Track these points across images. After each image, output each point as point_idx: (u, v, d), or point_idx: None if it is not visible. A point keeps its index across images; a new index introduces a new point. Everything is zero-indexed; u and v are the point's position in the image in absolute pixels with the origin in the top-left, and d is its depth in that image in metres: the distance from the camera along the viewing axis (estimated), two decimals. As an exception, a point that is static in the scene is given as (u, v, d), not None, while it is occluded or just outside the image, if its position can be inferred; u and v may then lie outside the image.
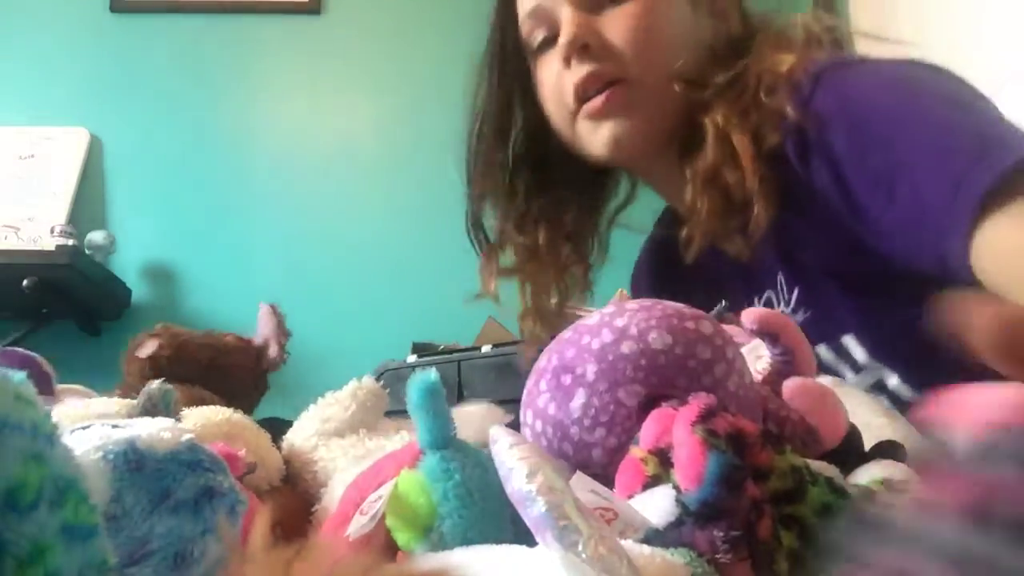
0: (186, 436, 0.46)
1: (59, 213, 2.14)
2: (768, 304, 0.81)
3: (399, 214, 2.30)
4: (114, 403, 0.48)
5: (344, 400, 0.61)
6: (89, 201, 2.23)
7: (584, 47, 0.75)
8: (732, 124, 0.71)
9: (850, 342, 0.74)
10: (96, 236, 2.10)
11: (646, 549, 0.30)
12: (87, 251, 2.05)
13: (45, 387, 0.62)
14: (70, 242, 1.95)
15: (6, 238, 2.08)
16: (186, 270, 2.24)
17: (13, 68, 2.30)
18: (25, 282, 1.84)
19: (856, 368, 0.75)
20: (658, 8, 0.76)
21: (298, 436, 0.60)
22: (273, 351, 0.86)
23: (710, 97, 0.73)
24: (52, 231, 2.00)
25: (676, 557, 0.30)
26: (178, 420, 0.45)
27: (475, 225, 0.91)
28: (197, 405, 0.59)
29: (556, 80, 0.79)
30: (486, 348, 1.22)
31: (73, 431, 0.39)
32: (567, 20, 0.76)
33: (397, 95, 2.39)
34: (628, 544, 0.31)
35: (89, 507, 0.31)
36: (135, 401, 0.43)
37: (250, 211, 2.27)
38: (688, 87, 0.74)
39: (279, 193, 2.29)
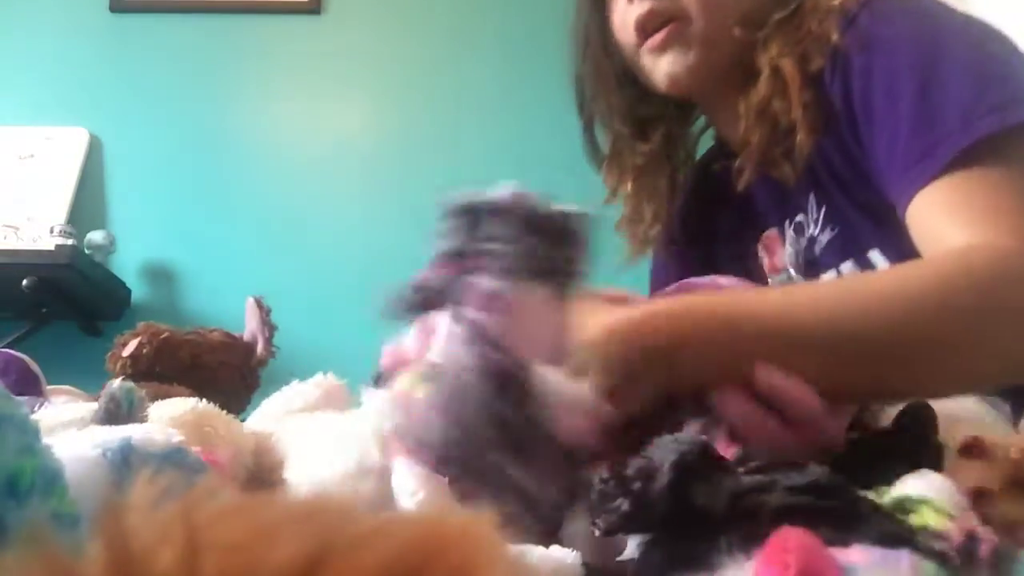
0: (176, 439, 0.46)
1: (59, 213, 2.14)
2: (798, 228, 0.86)
3: (399, 214, 2.29)
4: (83, 408, 0.48)
5: (308, 387, 0.61)
6: (89, 201, 2.23)
7: None
8: (783, 57, 0.76)
9: (877, 257, 0.79)
10: (96, 236, 2.10)
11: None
12: (87, 251, 2.05)
13: (33, 388, 0.62)
14: (70, 242, 1.95)
15: (6, 238, 2.08)
16: (186, 270, 2.24)
17: (13, 68, 2.30)
18: (25, 282, 1.84)
19: None
20: None
21: (258, 422, 0.61)
22: (260, 346, 0.85)
23: (765, 35, 0.78)
24: (52, 231, 2.00)
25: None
26: (143, 419, 0.45)
27: (591, 144, 1.00)
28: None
29: (621, 15, 0.84)
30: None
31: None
32: None
33: (397, 95, 2.39)
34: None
35: (71, 499, 0.32)
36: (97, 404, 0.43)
37: (250, 211, 2.27)
38: (746, 29, 0.78)
39: (279, 193, 2.29)
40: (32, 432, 0.31)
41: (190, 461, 0.46)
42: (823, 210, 0.82)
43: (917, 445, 0.47)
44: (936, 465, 0.48)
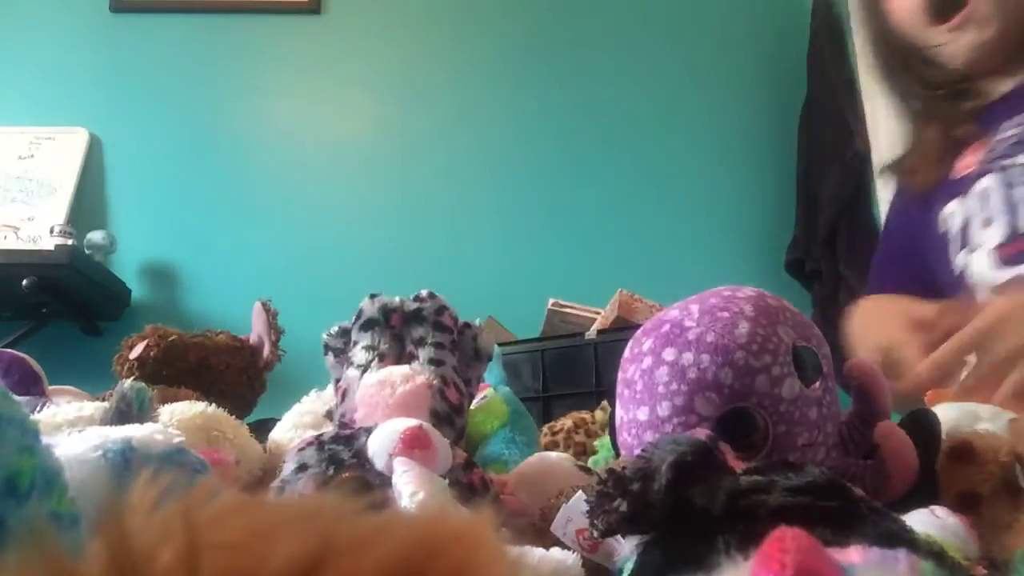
0: (176, 439, 0.46)
1: (59, 213, 2.14)
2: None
3: (399, 213, 2.29)
4: (89, 407, 0.48)
5: (324, 396, 0.61)
6: (89, 201, 2.23)
7: None
8: None
9: None
10: (96, 236, 2.10)
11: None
12: (87, 251, 2.05)
13: (35, 387, 0.62)
14: (70, 242, 1.95)
15: (6, 238, 2.08)
16: (186, 270, 2.24)
17: (13, 68, 2.30)
18: (25, 282, 1.84)
19: None
20: None
21: (279, 432, 0.61)
22: (266, 350, 0.85)
23: None
24: (52, 231, 2.00)
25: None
26: (154, 419, 0.45)
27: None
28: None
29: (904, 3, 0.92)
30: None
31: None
32: None
33: (397, 95, 2.39)
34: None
35: (71, 499, 0.32)
36: (107, 404, 0.43)
37: (250, 211, 2.27)
38: None
39: (279, 193, 2.29)
40: (32, 432, 0.31)
41: (191, 461, 0.46)
42: None
43: (922, 448, 0.47)
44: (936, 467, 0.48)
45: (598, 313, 1.63)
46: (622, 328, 1.45)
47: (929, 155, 1.04)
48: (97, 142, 2.29)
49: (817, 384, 0.45)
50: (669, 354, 0.44)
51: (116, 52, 2.33)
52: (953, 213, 0.99)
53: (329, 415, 0.63)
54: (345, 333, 0.65)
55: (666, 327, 0.46)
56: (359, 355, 0.61)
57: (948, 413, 0.54)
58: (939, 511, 0.40)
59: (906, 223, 1.11)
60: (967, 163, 1.00)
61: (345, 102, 2.40)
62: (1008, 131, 0.96)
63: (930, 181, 1.05)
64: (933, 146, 1.04)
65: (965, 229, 0.96)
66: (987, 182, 0.94)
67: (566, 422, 0.84)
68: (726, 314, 0.45)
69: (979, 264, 0.92)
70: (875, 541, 0.30)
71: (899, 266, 1.13)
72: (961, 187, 0.98)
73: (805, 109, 2.21)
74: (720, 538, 0.32)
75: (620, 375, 0.47)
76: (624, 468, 0.36)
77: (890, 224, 1.19)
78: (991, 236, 0.91)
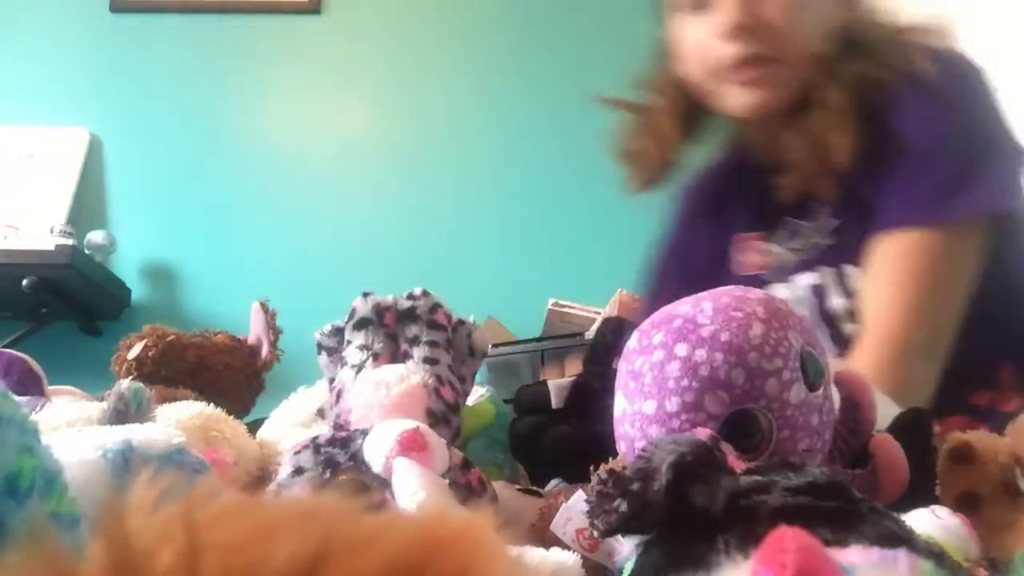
0: (176, 439, 0.46)
1: (59, 213, 2.14)
2: (793, 233, 0.99)
3: (398, 214, 2.30)
4: (88, 407, 0.48)
5: (314, 393, 0.61)
6: (89, 201, 2.23)
7: (749, 30, 0.87)
8: (845, 99, 0.87)
9: (850, 270, 0.92)
10: (96, 236, 2.10)
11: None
12: (87, 251, 2.05)
13: (35, 388, 0.62)
14: (70, 242, 1.95)
15: (6, 238, 2.08)
16: (186, 270, 2.24)
17: (13, 67, 2.30)
18: (25, 282, 1.84)
19: (847, 294, 0.92)
20: None
21: (268, 430, 0.61)
22: (264, 350, 0.85)
23: (830, 73, 0.88)
24: (52, 231, 2.00)
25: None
26: (152, 419, 0.45)
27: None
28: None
29: (704, 45, 0.92)
30: (486, 348, 1.22)
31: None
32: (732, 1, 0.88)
33: (397, 95, 2.39)
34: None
35: (71, 499, 0.32)
36: (105, 404, 0.43)
37: (250, 211, 2.27)
38: (819, 66, 0.89)
39: (279, 193, 2.29)
40: (32, 432, 0.31)
41: (190, 461, 0.46)
42: (833, 223, 0.94)
43: (915, 447, 0.47)
44: (931, 468, 0.48)
45: (598, 313, 1.63)
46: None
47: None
48: (97, 142, 2.29)
49: (819, 391, 0.45)
50: (681, 349, 0.44)
51: (116, 52, 2.33)
52: None
53: (321, 413, 0.63)
54: (338, 332, 0.65)
55: (678, 322, 0.45)
56: (353, 354, 0.61)
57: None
58: (940, 511, 0.40)
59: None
60: (751, 262, 1.02)
61: (345, 102, 2.40)
62: (782, 236, 0.99)
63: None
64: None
65: None
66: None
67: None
68: (740, 314, 0.45)
69: None
70: (875, 541, 0.30)
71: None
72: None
73: (805, 109, 2.21)
74: (720, 538, 0.32)
75: (625, 366, 0.47)
76: (624, 468, 0.36)
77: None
78: None
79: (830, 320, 0.93)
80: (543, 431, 0.71)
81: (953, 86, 0.87)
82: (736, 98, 0.92)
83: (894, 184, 0.86)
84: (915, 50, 0.87)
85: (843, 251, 0.92)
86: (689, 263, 1.11)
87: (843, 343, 0.89)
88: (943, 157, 0.85)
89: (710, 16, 0.90)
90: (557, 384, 0.74)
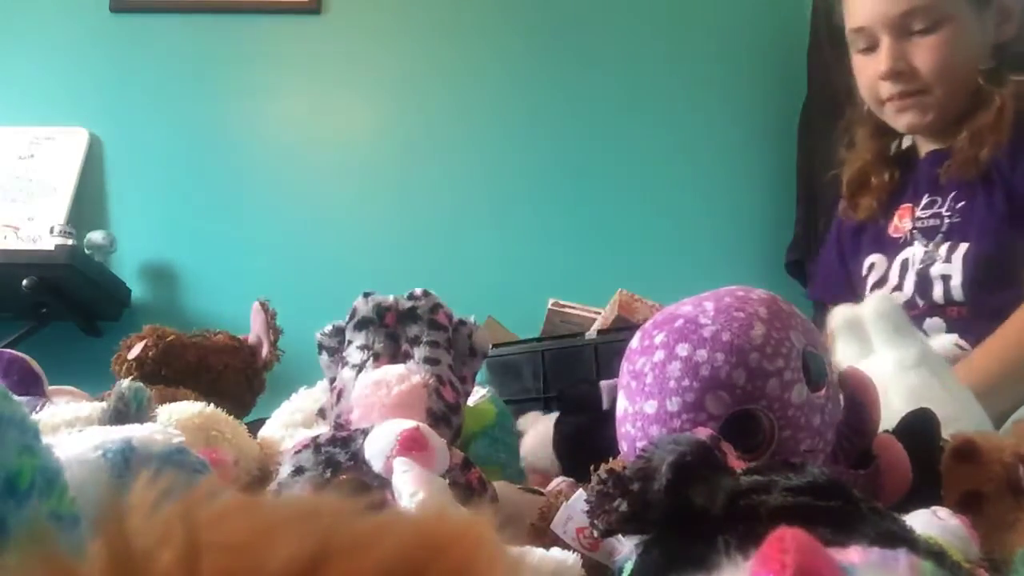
0: (176, 439, 0.46)
1: (59, 213, 2.14)
2: (931, 205, 1.22)
3: (399, 214, 2.30)
4: (88, 407, 0.48)
5: (314, 393, 0.61)
6: (89, 201, 2.23)
7: (899, 73, 1.14)
8: (1002, 104, 1.11)
9: (963, 247, 1.14)
10: (96, 236, 2.10)
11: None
12: (87, 251, 2.05)
13: (35, 388, 0.62)
14: (70, 242, 1.95)
15: (6, 238, 2.08)
16: (186, 270, 2.24)
17: (13, 68, 2.30)
18: (25, 282, 1.84)
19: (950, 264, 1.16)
20: (956, 41, 1.12)
21: (268, 430, 0.61)
22: (265, 350, 0.85)
23: (988, 87, 1.13)
24: (52, 231, 1.99)
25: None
26: (152, 419, 0.45)
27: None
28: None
29: (871, 79, 1.19)
30: (486, 348, 1.22)
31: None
32: (886, 49, 1.14)
33: (397, 95, 2.38)
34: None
35: (71, 499, 0.32)
36: (105, 404, 0.43)
37: (250, 211, 2.27)
38: (975, 85, 1.15)
39: (279, 193, 2.29)
40: (32, 432, 0.31)
41: (191, 461, 0.46)
42: (960, 203, 1.16)
43: (920, 449, 0.47)
44: (936, 469, 0.48)
45: (598, 313, 1.63)
46: (622, 328, 1.44)
47: (868, 188, 1.29)
48: (97, 142, 2.28)
49: (822, 391, 0.45)
50: (683, 349, 0.44)
51: (116, 52, 2.33)
52: (874, 265, 1.25)
53: (321, 413, 0.63)
54: (339, 332, 0.65)
55: (680, 322, 0.45)
56: (354, 354, 0.61)
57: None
58: (941, 512, 0.40)
59: (838, 245, 1.37)
60: (897, 227, 1.25)
61: (345, 102, 2.40)
62: (925, 205, 1.21)
63: (867, 218, 1.30)
64: (873, 183, 1.28)
65: (877, 287, 1.22)
66: (908, 254, 1.20)
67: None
68: (741, 314, 0.44)
69: None
70: (875, 541, 0.30)
71: (826, 280, 1.40)
72: (889, 247, 1.24)
73: (805, 109, 2.21)
74: (720, 538, 0.32)
75: (627, 366, 0.47)
76: (624, 468, 0.36)
77: (830, 238, 1.42)
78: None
79: (930, 283, 1.13)
80: (590, 432, 0.70)
81: None
82: (896, 120, 1.20)
83: None
84: None
85: (962, 229, 1.13)
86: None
87: (936, 308, 1.12)
88: None
89: (875, 57, 1.16)
90: (609, 384, 0.74)
